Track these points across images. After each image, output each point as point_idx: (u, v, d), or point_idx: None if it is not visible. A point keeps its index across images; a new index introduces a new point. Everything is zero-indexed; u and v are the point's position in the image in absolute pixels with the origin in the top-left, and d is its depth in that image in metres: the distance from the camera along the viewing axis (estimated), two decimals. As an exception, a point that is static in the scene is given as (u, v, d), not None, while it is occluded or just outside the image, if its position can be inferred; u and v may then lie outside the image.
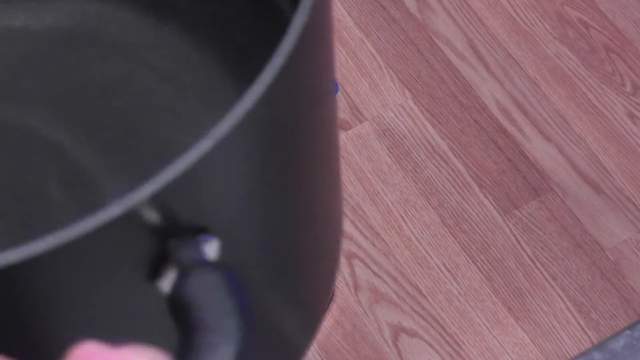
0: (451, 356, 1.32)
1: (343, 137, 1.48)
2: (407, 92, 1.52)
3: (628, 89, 1.53)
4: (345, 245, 1.39)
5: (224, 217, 0.27)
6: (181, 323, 0.28)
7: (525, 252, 1.40)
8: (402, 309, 1.35)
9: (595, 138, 1.49)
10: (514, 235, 1.41)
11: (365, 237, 1.40)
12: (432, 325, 1.34)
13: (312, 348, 1.32)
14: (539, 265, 1.39)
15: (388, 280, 1.37)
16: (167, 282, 0.29)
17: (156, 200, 0.25)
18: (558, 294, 1.37)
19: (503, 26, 1.58)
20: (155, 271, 0.29)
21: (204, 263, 0.28)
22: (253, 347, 0.28)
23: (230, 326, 0.27)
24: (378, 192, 1.43)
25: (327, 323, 1.34)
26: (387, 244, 1.39)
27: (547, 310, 1.36)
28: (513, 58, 1.55)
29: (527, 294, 1.37)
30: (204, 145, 0.26)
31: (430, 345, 1.33)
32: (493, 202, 1.43)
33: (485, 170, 1.46)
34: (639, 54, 1.56)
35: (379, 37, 1.56)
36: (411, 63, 1.54)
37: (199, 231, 0.28)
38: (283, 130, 0.28)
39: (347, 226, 1.40)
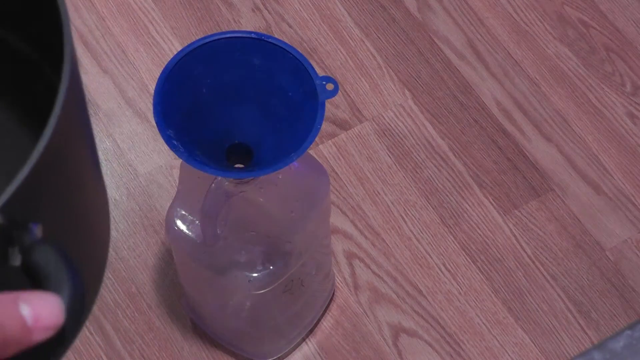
0: (451, 356, 1.32)
1: (343, 137, 1.48)
2: (407, 92, 1.52)
3: (628, 89, 1.53)
4: (346, 245, 1.39)
5: (42, 211, 0.47)
6: (35, 281, 0.45)
7: (525, 252, 1.40)
8: (402, 309, 1.35)
9: (595, 138, 1.49)
10: (514, 235, 1.41)
11: (365, 237, 1.40)
12: (432, 325, 1.34)
13: (312, 348, 1.32)
14: (539, 265, 1.39)
15: (388, 280, 1.37)
16: (17, 259, 0.46)
17: (3, 210, 0.44)
18: (558, 294, 1.37)
19: (503, 26, 1.58)
20: (6, 253, 0.46)
21: (39, 241, 0.46)
22: (79, 287, 0.47)
23: (65, 276, 0.46)
24: (378, 192, 1.43)
25: (327, 323, 1.34)
26: (387, 244, 1.39)
27: (547, 310, 1.36)
28: (513, 58, 1.55)
29: (527, 294, 1.37)
30: (25, 170, 0.44)
31: (430, 345, 1.33)
32: (493, 202, 1.43)
33: (485, 170, 1.46)
34: (639, 54, 1.56)
35: (379, 37, 1.56)
36: (411, 63, 1.54)
37: (29, 221, 0.46)
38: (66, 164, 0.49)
39: (347, 226, 1.40)
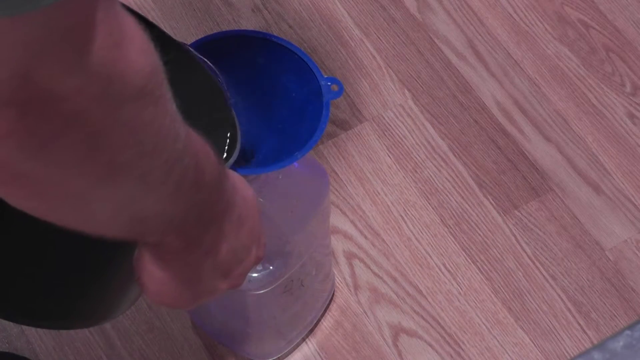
0: (451, 356, 1.32)
1: (343, 137, 1.47)
2: (407, 92, 1.52)
3: (628, 89, 1.53)
4: (346, 245, 1.39)
5: None
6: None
7: (525, 252, 1.40)
8: (402, 309, 1.35)
9: (595, 138, 1.49)
10: (514, 235, 1.41)
11: (365, 237, 1.40)
12: (432, 325, 1.34)
13: (312, 348, 1.32)
14: (539, 265, 1.39)
15: (388, 280, 1.37)
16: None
17: None
18: (558, 294, 1.37)
19: (503, 26, 1.58)
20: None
21: None
22: None
23: None
24: (378, 192, 1.43)
25: (327, 323, 1.34)
26: (387, 244, 1.39)
27: (547, 310, 1.36)
28: (513, 58, 1.55)
29: (527, 294, 1.37)
30: None
31: (430, 345, 1.33)
32: (493, 202, 1.43)
33: (485, 170, 1.46)
34: (639, 54, 1.56)
35: (379, 37, 1.56)
36: (411, 63, 1.54)
37: None
38: None
39: (347, 226, 1.40)
